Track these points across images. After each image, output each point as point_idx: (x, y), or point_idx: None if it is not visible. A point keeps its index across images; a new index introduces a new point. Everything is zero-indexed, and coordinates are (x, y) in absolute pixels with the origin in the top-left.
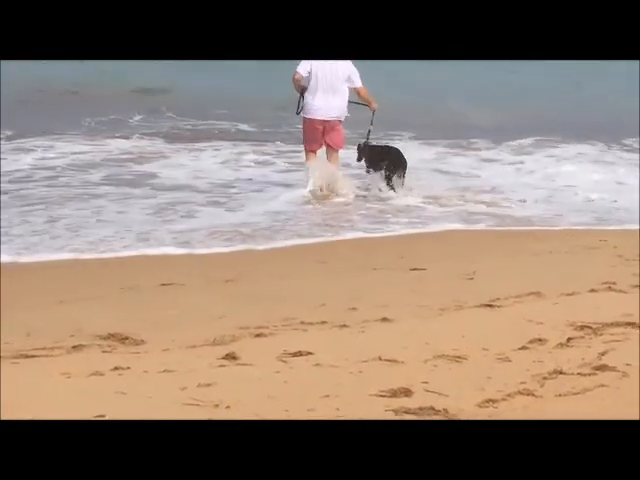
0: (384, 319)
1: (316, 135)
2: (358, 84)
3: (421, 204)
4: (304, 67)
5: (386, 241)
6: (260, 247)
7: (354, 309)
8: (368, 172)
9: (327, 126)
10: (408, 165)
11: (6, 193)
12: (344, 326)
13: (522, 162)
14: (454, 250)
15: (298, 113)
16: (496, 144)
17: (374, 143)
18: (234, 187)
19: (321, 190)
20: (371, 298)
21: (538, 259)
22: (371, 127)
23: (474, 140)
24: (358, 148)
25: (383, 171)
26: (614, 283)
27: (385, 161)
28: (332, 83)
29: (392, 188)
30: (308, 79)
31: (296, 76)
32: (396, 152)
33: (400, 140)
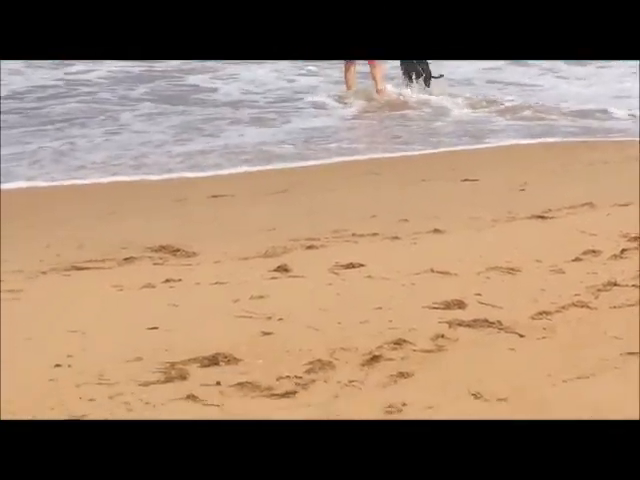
0: (436, 230)
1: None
2: None
3: (473, 115)
4: None
5: (436, 155)
6: (309, 162)
7: (405, 221)
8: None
9: None
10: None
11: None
12: (395, 238)
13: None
14: (506, 161)
15: None
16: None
17: None
18: (283, 101)
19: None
20: (422, 210)
21: (591, 169)
22: None
23: None
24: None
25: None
26: None
27: (413, 71)
28: None
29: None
30: None
31: None
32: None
33: None
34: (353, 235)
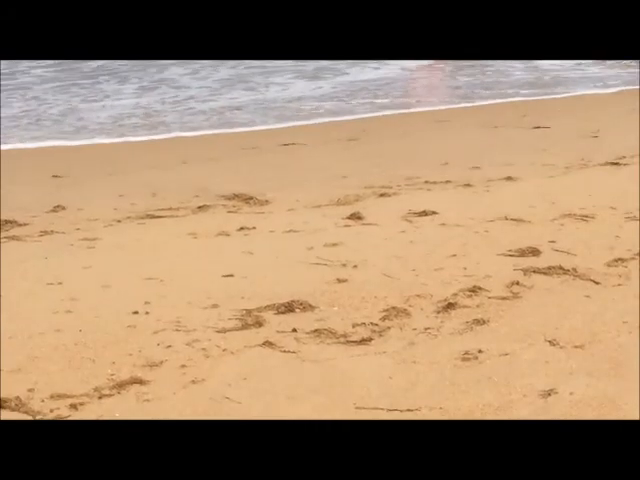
0: (508, 178)
1: None
2: None
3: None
4: None
5: (507, 103)
6: (378, 113)
7: (477, 168)
8: None
9: None
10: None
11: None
12: (468, 185)
13: None
14: (577, 109)
15: None
16: None
17: None
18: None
19: None
20: (494, 157)
21: None
22: None
23: None
24: None
25: None
26: None
27: None
28: None
29: None
30: None
31: None
32: None
33: None
34: (426, 182)
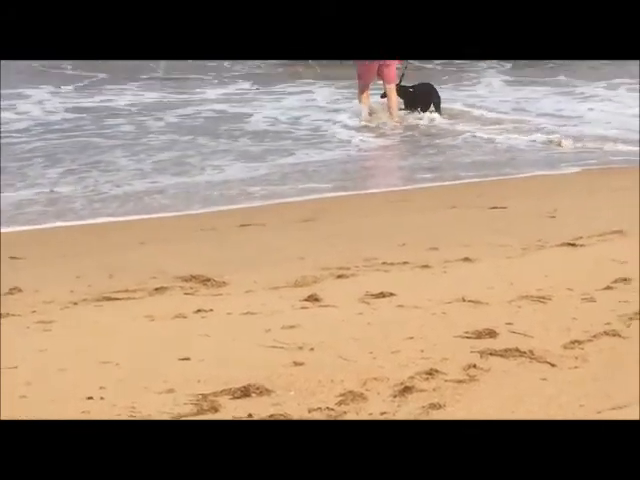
0: (466, 259)
1: (371, 74)
2: None
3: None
4: None
5: (465, 183)
6: (337, 193)
7: (435, 249)
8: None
9: (382, 64)
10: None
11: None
12: (426, 266)
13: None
14: (535, 189)
15: None
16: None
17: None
18: (307, 130)
19: (375, 124)
20: (452, 237)
21: (620, 196)
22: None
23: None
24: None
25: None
26: None
27: (420, 101)
28: None
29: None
30: None
31: None
32: (428, 89)
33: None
34: (383, 264)
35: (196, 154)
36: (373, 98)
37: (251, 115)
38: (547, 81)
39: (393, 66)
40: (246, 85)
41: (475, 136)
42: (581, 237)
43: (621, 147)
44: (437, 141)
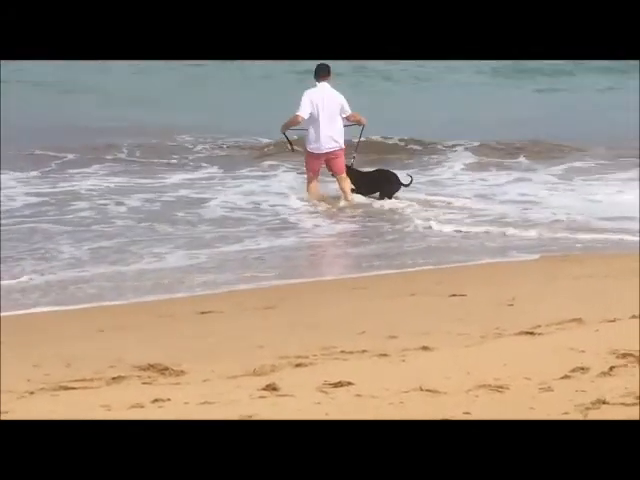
0: (424, 347)
1: (318, 165)
2: (346, 113)
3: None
4: (306, 109)
5: (423, 270)
6: (295, 280)
7: (394, 337)
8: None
9: (330, 156)
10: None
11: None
12: (384, 355)
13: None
14: (493, 276)
15: (293, 150)
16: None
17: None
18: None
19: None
20: (411, 325)
21: (579, 284)
22: (359, 144)
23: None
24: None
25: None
26: None
27: (378, 187)
28: (331, 117)
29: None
30: (310, 119)
31: (297, 119)
32: (389, 175)
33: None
34: (342, 352)
35: (144, 240)
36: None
37: (210, 200)
38: (510, 164)
39: (341, 158)
40: (210, 169)
41: (435, 222)
42: (539, 325)
43: (581, 235)
44: (396, 227)
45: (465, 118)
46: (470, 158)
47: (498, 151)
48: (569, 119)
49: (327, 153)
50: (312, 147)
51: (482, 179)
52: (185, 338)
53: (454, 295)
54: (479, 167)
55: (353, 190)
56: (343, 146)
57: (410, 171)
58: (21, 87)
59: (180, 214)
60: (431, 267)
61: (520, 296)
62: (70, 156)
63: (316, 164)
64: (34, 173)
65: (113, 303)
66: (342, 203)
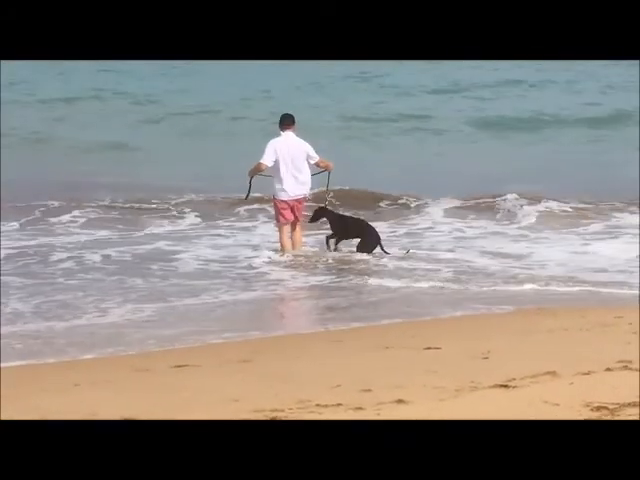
0: (399, 401)
1: (287, 212)
2: (314, 160)
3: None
4: (269, 157)
5: (398, 323)
6: (271, 333)
7: (369, 390)
8: (331, 238)
9: (295, 203)
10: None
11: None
12: (359, 408)
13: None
14: (468, 329)
15: (246, 198)
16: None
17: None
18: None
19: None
20: (385, 378)
21: (553, 337)
22: (328, 191)
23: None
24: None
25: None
26: (630, 362)
27: (355, 235)
28: (296, 164)
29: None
30: (273, 167)
31: (261, 167)
32: (368, 227)
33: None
34: (317, 406)
35: (97, 294)
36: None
37: (184, 252)
38: (484, 216)
39: (302, 205)
40: (189, 220)
41: (409, 276)
42: (514, 378)
43: (555, 287)
44: (368, 279)
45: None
46: (447, 211)
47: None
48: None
49: (294, 200)
50: (279, 195)
51: (458, 230)
52: (160, 392)
53: (429, 348)
54: (455, 216)
55: (331, 237)
56: (307, 193)
57: (390, 222)
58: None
59: (154, 267)
60: (405, 320)
61: (495, 349)
62: (52, 203)
63: (286, 211)
64: (13, 224)
65: (88, 357)
66: (290, 251)
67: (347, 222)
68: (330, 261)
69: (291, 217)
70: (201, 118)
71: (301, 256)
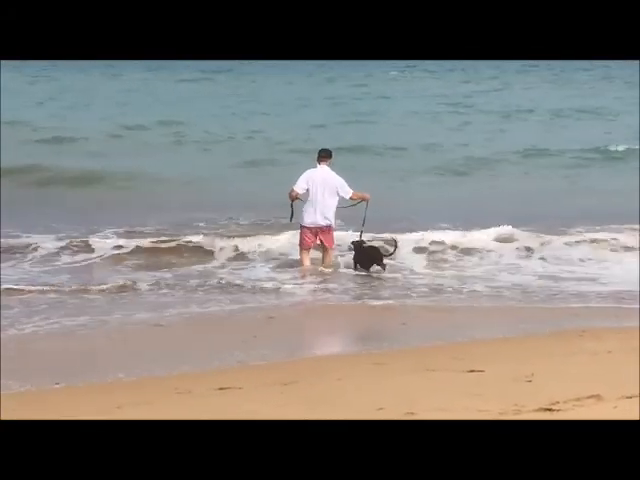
0: None
1: (309, 239)
2: (347, 194)
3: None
4: (301, 185)
5: (440, 345)
6: (314, 354)
7: (412, 413)
8: (356, 269)
9: (319, 231)
10: None
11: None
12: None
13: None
14: (511, 351)
15: (291, 221)
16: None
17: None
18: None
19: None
20: (429, 401)
21: (597, 359)
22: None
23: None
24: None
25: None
26: None
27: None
28: (324, 196)
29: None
30: (305, 194)
31: (293, 193)
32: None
33: None
34: None
35: None
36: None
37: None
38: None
39: (331, 233)
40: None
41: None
42: (558, 402)
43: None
44: (407, 301)
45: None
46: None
47: None
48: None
49: (318, 228)
50: (305, 222)
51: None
52: (203, 415)
53: (472, 371)
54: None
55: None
56: (333, 225)
57: None
58: None
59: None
60: (448, 342)
61: (538, 372)
62: None
63: (309, 237)
64: None
65: (130, 379)
66: (320, 268)
67: (367, 250)
68: (359, 282)
69: (312, 242)
70: None
71: (325, 277)
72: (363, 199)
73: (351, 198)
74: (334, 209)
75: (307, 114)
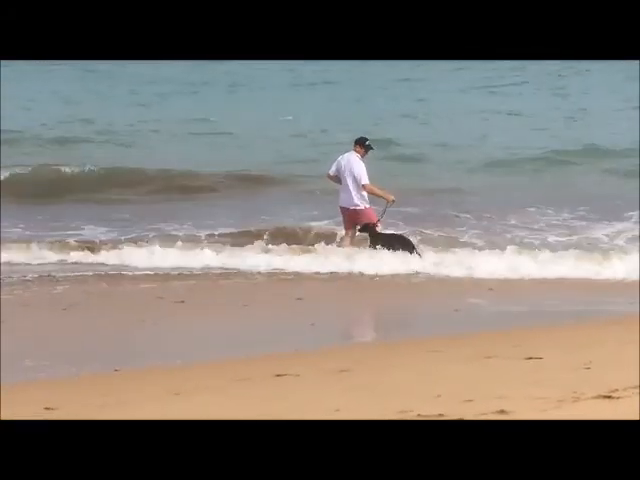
0: (501, 411)
1: (344, 219)
2: (362, 181)
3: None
4: (332, 169)
5: (498, 332)
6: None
7: (470, 401)
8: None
9: (352, 212)
10: None
11: None
12: (461, 419)
13: None
14: (570, 338)
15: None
16: None
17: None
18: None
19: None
20: (487, 389)
21: None
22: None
23: None
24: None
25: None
26: None
27: (395, 246)
28: (347, 180)
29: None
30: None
31: (327, 177)
32: (401, 238)
33: None
34: (419, 416)
35: None
36: None
37: None
38: None
39: (359, 216)
40: None
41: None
42: (617, 389)
43: None
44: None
45: None
46: None
47: None
48: None
49: (348, 208)
50: (339, 204)
51: None
52: (261, 403)
53: (530, 358)
54: None
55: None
56: (363, 206)
57: None
58: None
59: None
60: (505, 327)
61: (596, 360)
62: None
63: (345, 218)
64: None
65: (190, 364)
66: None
67: (388, 238)
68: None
69: (350, 223)
70: None
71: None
72: (385, 198)
73: (363, 188)
74: (361, 193)
75: None
